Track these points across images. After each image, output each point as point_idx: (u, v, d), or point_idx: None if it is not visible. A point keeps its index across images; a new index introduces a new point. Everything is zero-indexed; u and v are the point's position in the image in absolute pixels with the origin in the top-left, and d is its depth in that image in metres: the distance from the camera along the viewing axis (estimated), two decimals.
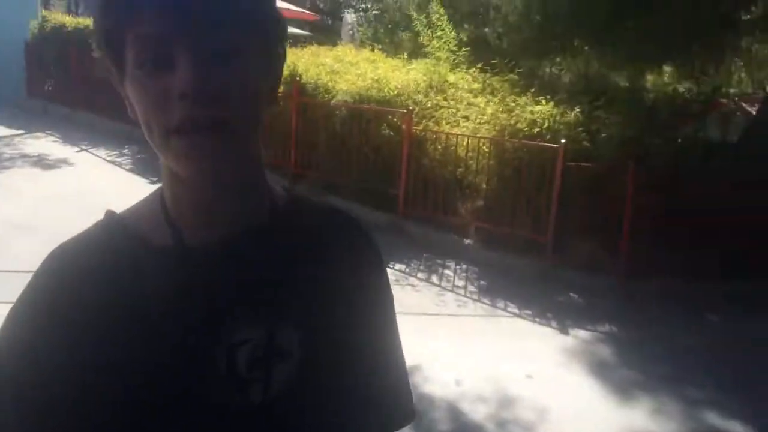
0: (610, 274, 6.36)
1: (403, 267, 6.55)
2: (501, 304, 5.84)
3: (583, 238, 6.50)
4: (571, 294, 6.24)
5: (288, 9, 12.37)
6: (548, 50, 11.40)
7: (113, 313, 0.71)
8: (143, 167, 8.72)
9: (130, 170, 8.81)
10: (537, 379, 4.46)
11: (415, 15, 9.51)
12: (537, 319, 5.58)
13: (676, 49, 10.50)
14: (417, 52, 9.39)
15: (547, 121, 6.75)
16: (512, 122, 6.94)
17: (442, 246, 7.05)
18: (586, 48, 11.49)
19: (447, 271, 6.55)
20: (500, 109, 7.26)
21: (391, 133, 7.54)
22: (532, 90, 7.34)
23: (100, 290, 0.72)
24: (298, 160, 8.40)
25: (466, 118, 7.54)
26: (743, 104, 10.68)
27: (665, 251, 6.35)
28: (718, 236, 6.46)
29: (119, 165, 9.01)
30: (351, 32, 16.06)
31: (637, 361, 4.89)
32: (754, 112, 10.59)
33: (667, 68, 11.42)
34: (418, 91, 7.98)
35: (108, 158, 9.25)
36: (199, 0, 0.66)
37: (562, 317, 5.64)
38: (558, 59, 11.38)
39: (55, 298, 0.72)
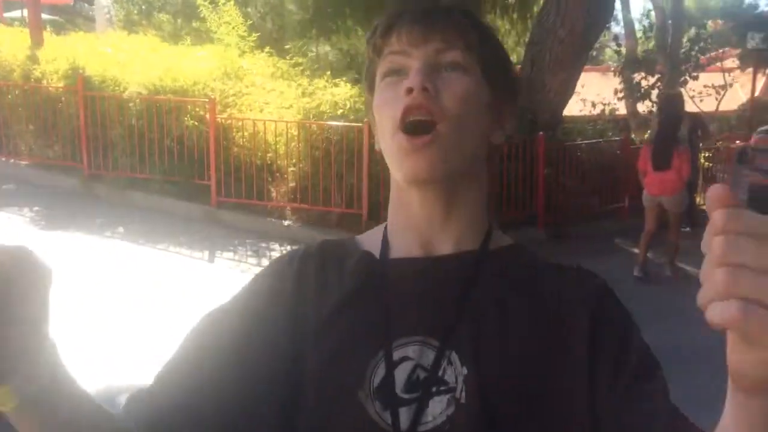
0: None
1: (231, 255, 6.67)
2: None
3: None
4: None
5: None
6: (323, 31, 11.92)
7: (312, 298, 0.80)
8: None
9: None
10: None
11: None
12: None
13: None
14: (200, 37, 9.26)
15: (348, 102, 7.24)
16: (315, 105, 7.31)
17: (261, 230, 7.26)
18: (357, 28, 12.23)
19: (274, 253, 6.79)
20: (301, 93, 7.58)
21: (195, 123, 7.49)
22: (328, 73, 7.76)
23: (313, 277, 0.82)
24: (91, 159, 7.92)
25: (268, 103, 7.75)
26: None
27: None
28: (504, 194, 7.56)
29: None
30: (108, 16, 15.00)
31: None
32: None
33: None
34: (215, 79, 7.97)
35: None
36: (436, 21, 0.79)
37: None
38: (333, 39, 11.97)
39: (288, 270, 0.84)
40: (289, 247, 6.92)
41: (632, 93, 10.32)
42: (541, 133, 7.73)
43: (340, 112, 7.19)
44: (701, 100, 8.75)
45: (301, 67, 8.45)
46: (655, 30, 13.98)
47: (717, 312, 0.43)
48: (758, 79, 12.56)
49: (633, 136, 9.24)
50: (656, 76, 10.35)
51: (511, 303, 0.76)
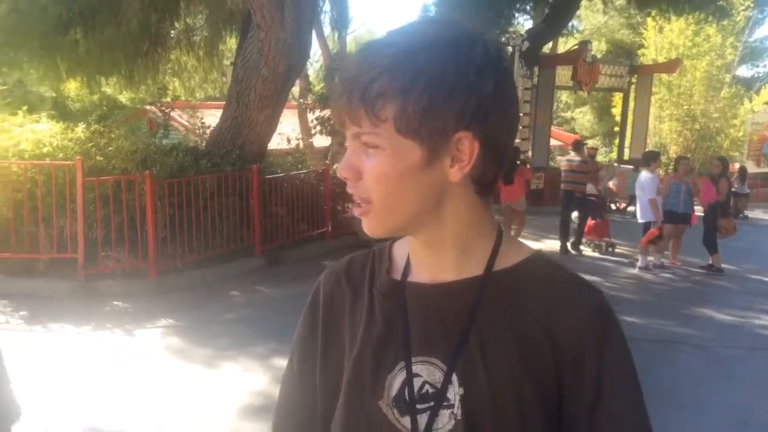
0: (144, 277, 6.93)
1: None
2: (55, 327, 5.76)
3: (114, 248, 6.85)
4: (116, 302, 6.55)
5: None
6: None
7: (338, 312, 0.95)
8: None
9: None
10: (145, 376, 4.80)
11: None
12: (89, 333, 5.72)
13: (123, 61, 11.28)
14: None
15: (53, 140, 6.72)
16: (13, 143, 6.63)
17: None
18: (26, 60, 11.23)
19: None
20: None
21: None
22: (25, 107, 7.10)
23: (343, 293, 0.96)
24: None
25: None
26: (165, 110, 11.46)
27: (186, 247, 7.30)
28: (223, 226, 7.74)
29: None
30: None
31: (204, 339, 5.66)
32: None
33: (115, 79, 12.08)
34: None
35: None
36: (345, 105, 0.81)
37: (122, 323, 5.96)
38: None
39: (319, 291, 0.99)
40: None
41: (324, 128, 11.38)
42: (255, 166, 8.11)
43: (46, 150, 6.64)
44: None
45: None
46: (324, 71, 15.48)
47: None
48: None
49: (335, 166, 10.13)
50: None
51: (504, 330, 0.84)
